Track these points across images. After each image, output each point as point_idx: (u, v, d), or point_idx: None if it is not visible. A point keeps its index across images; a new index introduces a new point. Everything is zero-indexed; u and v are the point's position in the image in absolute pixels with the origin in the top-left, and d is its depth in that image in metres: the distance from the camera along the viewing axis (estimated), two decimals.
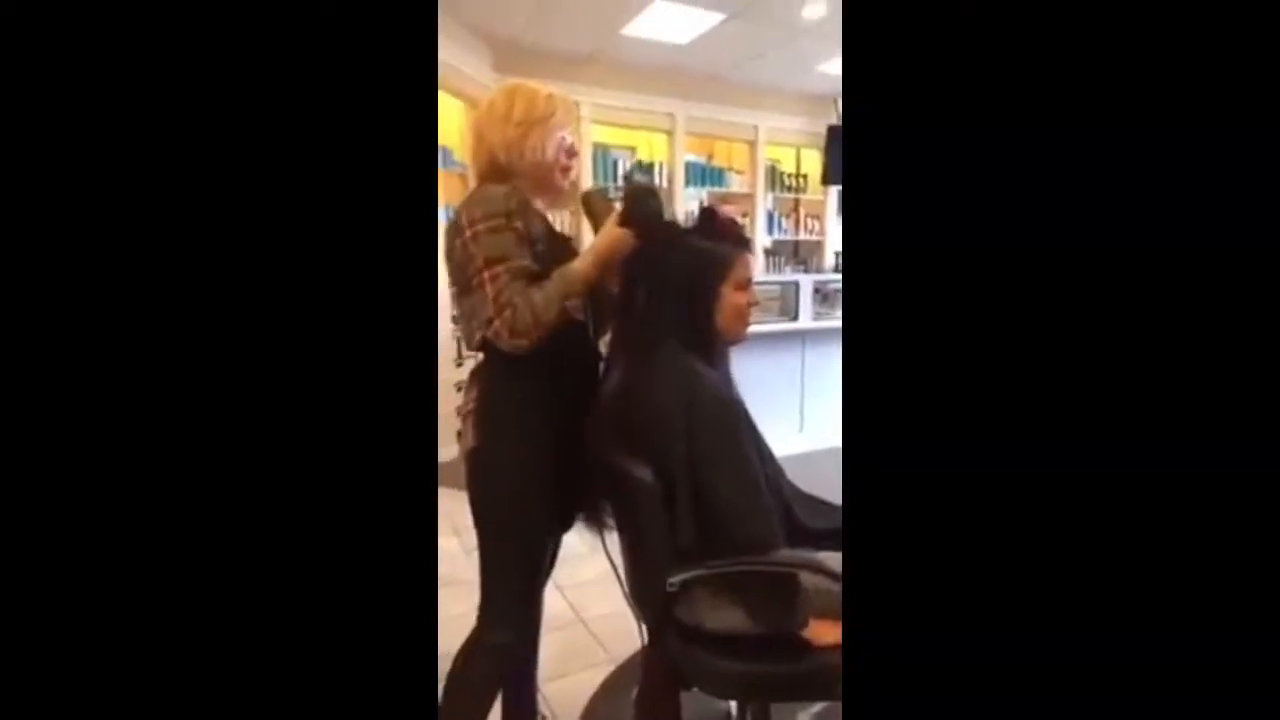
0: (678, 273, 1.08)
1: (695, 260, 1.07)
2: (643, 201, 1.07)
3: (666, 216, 1.09)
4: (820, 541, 1.10)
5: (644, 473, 0.98)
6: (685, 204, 4.37)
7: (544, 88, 1.16)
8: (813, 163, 4.98)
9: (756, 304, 1.13)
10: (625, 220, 1.07)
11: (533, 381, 1.08)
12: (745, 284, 1.09)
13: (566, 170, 1.17)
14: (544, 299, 1.01)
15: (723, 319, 1.07)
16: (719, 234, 1.10)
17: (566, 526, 1.23)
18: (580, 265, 1.06)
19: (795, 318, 3.36)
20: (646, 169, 1.08)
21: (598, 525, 1.14)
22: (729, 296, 1.07)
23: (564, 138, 1.15)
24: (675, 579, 0.96)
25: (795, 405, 3.55)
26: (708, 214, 1.13)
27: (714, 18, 3.46)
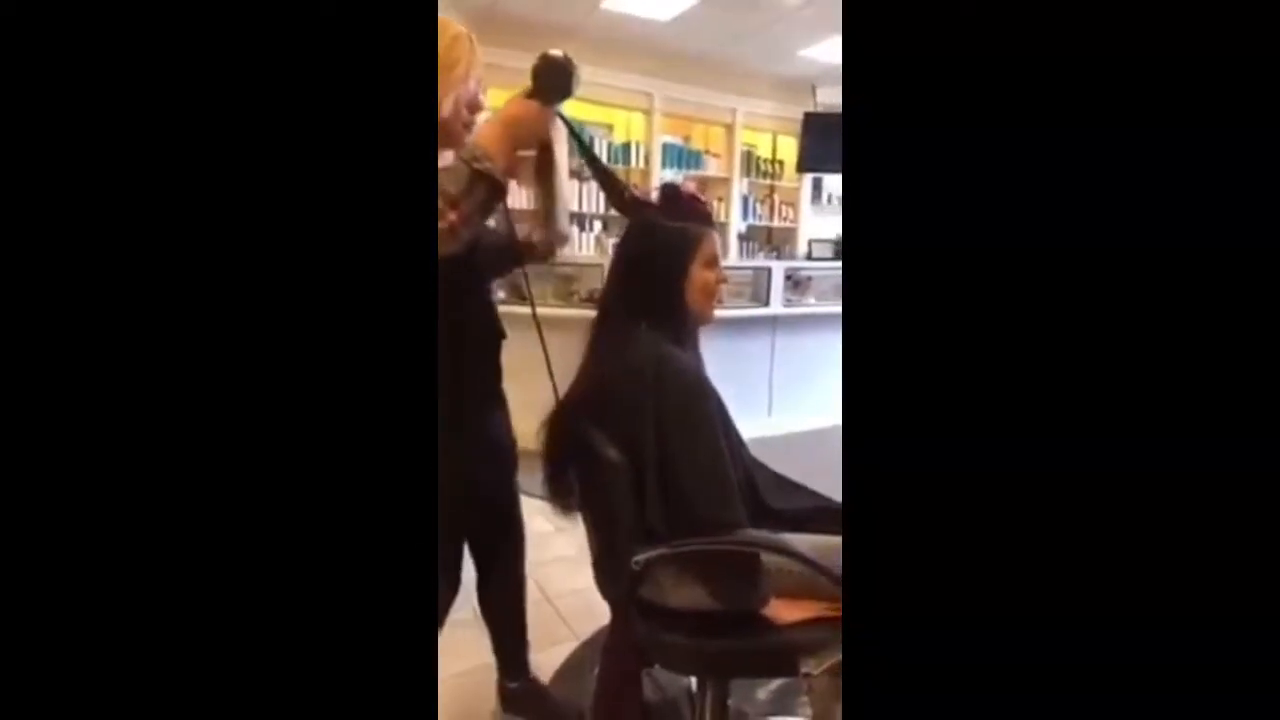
0: (645, 252, 1.07)
1: (662, 239, 1.06)
2: (551, 70, 0.97)
3: (576, 90, 1.00)
4: (784, 522, 1.11)
5: (611, 452, 0.97)
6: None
7: (452, 27, 1.04)
8: (789, 149, 4.98)
9: (726, 282, 1.12)
10: (534, 92, 0.97)
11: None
12: (713, 261, 1.08)
13: (469, 126, 1.06)
14: (445, 174, 0.89)
15: (692, 297, 1.07)
16: (684, 212, 1.08)
17: (482, 503, 1.22)
18: (480, 137, 0.95)
19: (766, 303, 3.38)
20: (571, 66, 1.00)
21: (565, 505, 1.14)
22: (698, 274, 1.07)
23: (470, 90, 1.05)
24: (640, 558, 0.96)
25: (764, 390, 3.58)
26: (672, 192, 1.12)
27: None
